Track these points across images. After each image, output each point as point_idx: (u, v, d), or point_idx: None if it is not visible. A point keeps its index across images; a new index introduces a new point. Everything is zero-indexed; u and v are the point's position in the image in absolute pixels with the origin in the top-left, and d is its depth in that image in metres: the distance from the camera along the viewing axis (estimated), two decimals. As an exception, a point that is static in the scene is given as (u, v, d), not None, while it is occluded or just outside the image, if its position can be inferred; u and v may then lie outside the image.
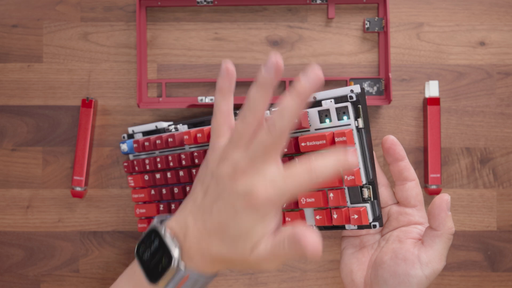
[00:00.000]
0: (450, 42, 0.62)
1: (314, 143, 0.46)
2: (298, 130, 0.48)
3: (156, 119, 0.62)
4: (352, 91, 0.45)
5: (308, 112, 0.47)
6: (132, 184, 0.59)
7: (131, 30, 0.62)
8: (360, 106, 0.45)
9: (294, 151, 0.48)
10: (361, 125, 0.45)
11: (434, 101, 0.60)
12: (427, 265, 0.45)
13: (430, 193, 0.60)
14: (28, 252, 0.62)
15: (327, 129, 0.47)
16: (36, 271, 0.62)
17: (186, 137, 0.54)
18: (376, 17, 0.61)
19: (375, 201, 0.46)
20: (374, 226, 0.46)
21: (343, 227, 0.47)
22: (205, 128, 0.53)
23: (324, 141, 0.45)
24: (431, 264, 0.45)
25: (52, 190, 0.62)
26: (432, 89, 0.61)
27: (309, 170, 0.38)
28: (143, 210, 0.59)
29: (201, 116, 0.62)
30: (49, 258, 0.62)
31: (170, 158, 0.56)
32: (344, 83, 0.61)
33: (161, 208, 0.58)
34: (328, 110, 0.46)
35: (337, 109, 0.46)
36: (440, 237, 0.45)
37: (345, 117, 0.46)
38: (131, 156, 0.60)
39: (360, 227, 0.46)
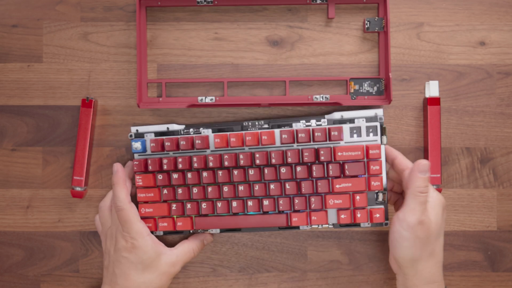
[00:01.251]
0: (450, 42, 0.62)
1: (349, 153, 0.56)
2: (332, 142, 0.57)
3: (156, 119, 0.62)
4: (376, 114, 0.57)
5: (342, 127, 0.57)
6: (140, 183, 0.59)
7: (131, 30, 0.62)
8: (385, 126, 0.57)
9: (329, 159, 0.57)
10: (385, 141, 0.57)
11: (434, 101, 0.60)
12: (403, 220, 0.53)
13: (430, 193, 0.60)
14: (28, 252, 0.62)
15: (357, 142, 0.57)
16: (36, 271, 0.62)
17: (217, 140, 0.57)
18: (376, 17, 0.61)
19: (387, 203, 0.58)
20: (386, 224, 0.58)
21: (358, 225, 0.58)
22: (241, 133, 0.58)
23: (360, 152, 0.56)
24: (404, 218, 0.53)
25: (52, 190, 0.62)
26: (432, 89, 0.61)
27: None
28: (149, 210, 0.59)
29: (200, 117, 0.62)
30: (49, 258, 0.62)
31: (195, 159, 0.57)
32: (344, 83, 0.61)
33: (174, 208, 0.58)
34: (359, 127, 0.57)
35: (367, 127, 0.57)
36: (410, 195, 0.53)
37: (371, 134, 0.57)
38: (136, 156, 0.60)
39: (374, 224, 0.57)
